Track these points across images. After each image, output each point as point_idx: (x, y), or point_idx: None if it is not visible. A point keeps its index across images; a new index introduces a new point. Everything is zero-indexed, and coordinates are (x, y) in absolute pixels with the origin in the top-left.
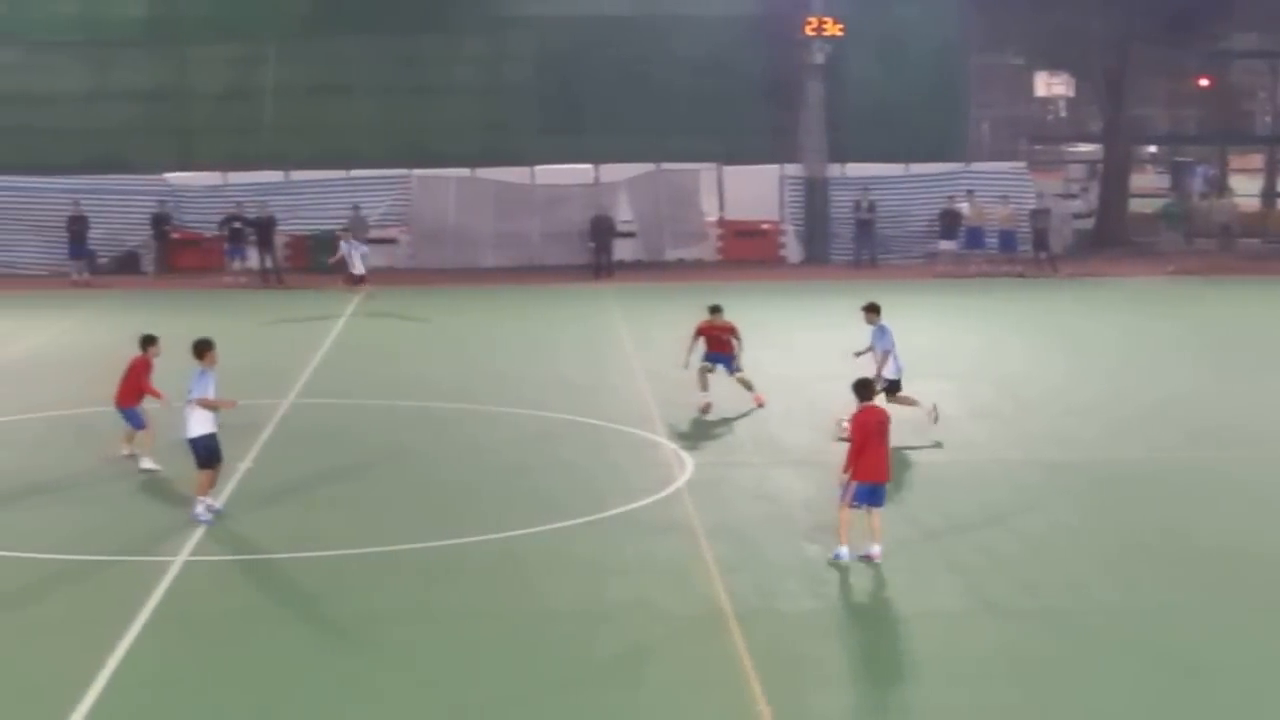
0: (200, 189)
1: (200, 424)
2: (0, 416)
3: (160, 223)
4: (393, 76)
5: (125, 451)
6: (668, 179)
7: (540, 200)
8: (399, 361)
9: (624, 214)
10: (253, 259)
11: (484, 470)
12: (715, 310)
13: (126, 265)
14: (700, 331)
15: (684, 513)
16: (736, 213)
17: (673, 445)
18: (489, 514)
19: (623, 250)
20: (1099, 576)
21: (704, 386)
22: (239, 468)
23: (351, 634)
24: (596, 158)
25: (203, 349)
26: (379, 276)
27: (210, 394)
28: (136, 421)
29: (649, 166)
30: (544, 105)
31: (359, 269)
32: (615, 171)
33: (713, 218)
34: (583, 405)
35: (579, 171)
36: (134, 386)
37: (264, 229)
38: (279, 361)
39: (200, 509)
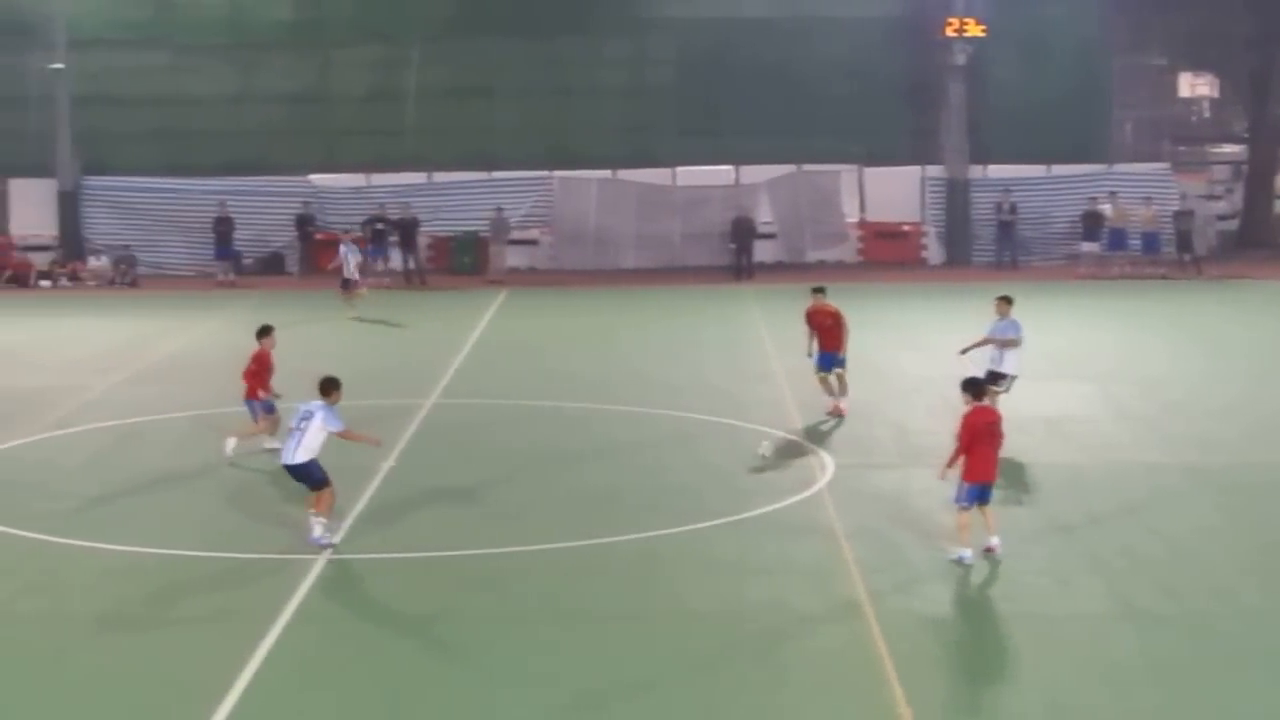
0: (343, 190)
1: (313, 451)
2: (150, 415)
3: (304, 224)
4: (535, 78)
5: (268, 445)
6: (809, 180)
7: (681, 202)
8: (541, 362)
9: (764, 215)
10: (395, 260)
11: (625, 470)
12: (818, 291)
13: (271, 266)
14: (808, 317)
15: (824, 514)
16: (877, 214)
17: (813, 446)
18: (630, 514)
19: (763, 251)
20: (1241, 580)
21: (828, 391)
22: (382, 467)
23: (492, 633)
24: (737, 159)
25: (329, 388)
26: (521, 277)
27: (344, 427)
28: (266, 408)
29: (790, 168)
30: (685, 107)
31: (353, 274)
32: (756, 173)
33: (853, 219)
34: (723, 406)
35: (720, 173)
36: (257, 378)
37: (407, 230)
38: (421, 362)
39: (319, 531)
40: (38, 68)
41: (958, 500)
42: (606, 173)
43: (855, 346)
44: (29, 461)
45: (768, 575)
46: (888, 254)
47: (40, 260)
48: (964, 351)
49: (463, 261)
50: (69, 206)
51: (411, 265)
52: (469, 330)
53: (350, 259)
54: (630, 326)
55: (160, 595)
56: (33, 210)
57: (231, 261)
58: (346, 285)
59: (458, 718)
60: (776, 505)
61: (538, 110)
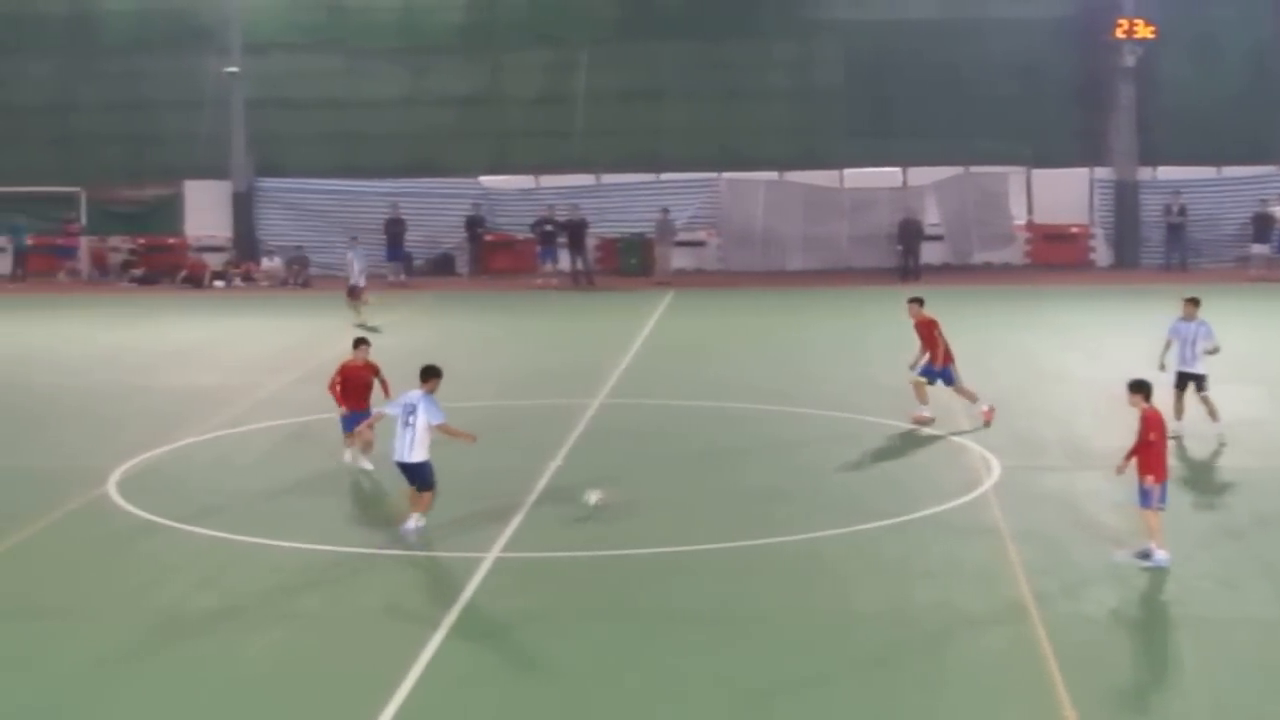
0: (513, 192)
1: (426, 448)
2: (321, 414)
3: (474, 225)
4: (702, 81)
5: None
6: (976, 182)
7: (848, 204)
8: (707, 362)
9: (931, 217)
10: (564, 261)
11: (790, 471)
12: (914, 301)
13: (441, 267)
14: (917, 328)
15: (990, 516)
16: (1045, 216)
17: (979, 448)
18: (795, 515)
19: (930, 253)
20: None
21: (923, 400)
22: (550, 466)
23: (657, 632)
24: (904, 161)
25: (429, 375)
26: (688, 278)
27: (445, 420)
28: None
29: (957, 169)
30: (852, 109)
31: (358, 281)
32: (923, 174)
33: (1021, 221)
34: (888, 407)
35: (887, 175)
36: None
37: (575, 231)
38: (589, 362)
39: (413, 524)
40: (214, 72)
41: (1157, 502)
42: (773, 174)
43: (1020, 347)
44: (202, 459)
45: (933, 576)
46: (1055, 256)
47: (215, 261)
48: (1163, 367)
49: (630, 263)
50: (243, 208)
51: (579, 267)
52: (636, 331)
53: (356, 264)
54: (796, 327)
55: (330, 591)
56: (208, 212)
57: (402, 263)
58: (353, 292)
59: (624, 717)
60: (942, 506)
61: (705, 112)
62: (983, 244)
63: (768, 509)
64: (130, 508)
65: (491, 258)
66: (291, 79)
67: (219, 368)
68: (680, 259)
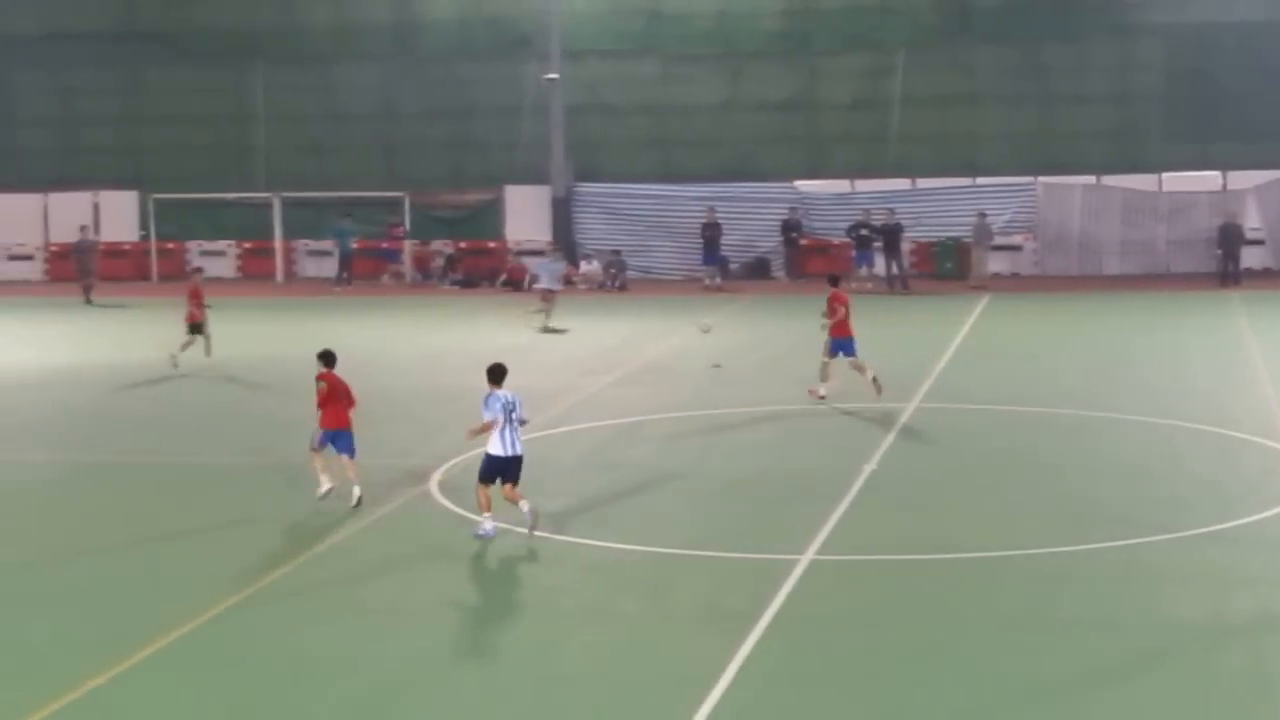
0: (828, 196)
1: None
2: (636, 416)
3: (790, 229)
4: (1019, 85)
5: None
6: None
7: (1166, 207)
8: (1022, 367)
9: (1253, 221)
10: (879, 265)
11: (1106, 477)
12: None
13: (756, 271)
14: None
15: None
16: None
17: None
18: (1111, 522)
19: (1251, 258)
20: None
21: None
22: (864, 469)
23: (973, 637)
24: (1224, 164)
25: (497, 374)
26: (1004, 282)
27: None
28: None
29: (1278, 174)
30: (1171, 112)
31: (554, 285)
32: (1244, 178)
33: None
34: (1207, 413)
35: (1206, 178)
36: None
37: (891, 236)
38: (904, 366)
39: (530, 506)
40: (534, 78)
41: None
42: (1090, 178)
43: None
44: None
45: (1253, 586)
46: None
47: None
48: None
49: (945, 267)
50: (561, 212)
51: (894, 271)
52: (951, 335)
53: (552, 270)
54: (1113, 332)
55: (644, 590)
56: (527, 216)
57: (718, 266)
58: (546, 295)
59: (939, 718)
60: (1264, 514)
61: (1022, 116)
62: None
63: (1085, 514)
64: (450, 506)
65: (807, 262)
66: (609, 85)
67: (538, 369)
68: (996, 263)
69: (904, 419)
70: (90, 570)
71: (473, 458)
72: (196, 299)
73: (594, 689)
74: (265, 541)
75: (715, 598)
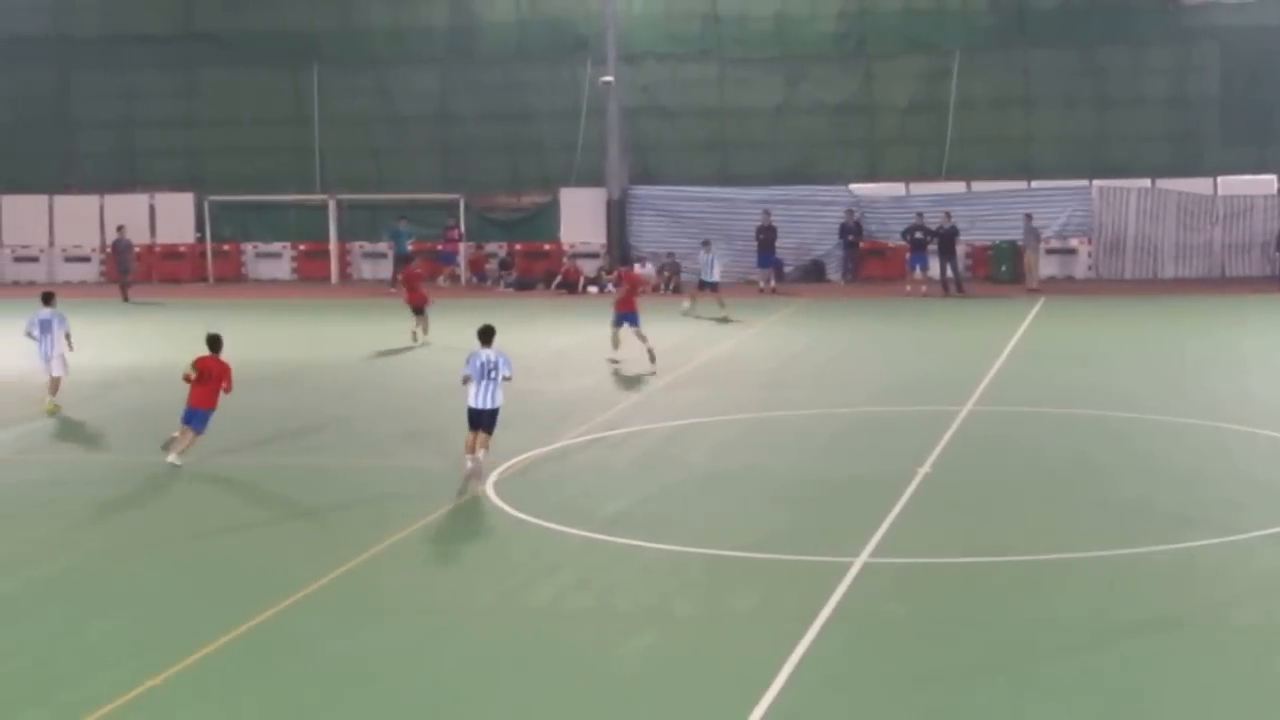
0: (884, 199)
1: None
2: (692, 419)
3: (846, 232)
4: (1075, 88)
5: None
6: None
7: (1223, 211)
8: (1076, 370)
9: None
10: (934, 268)
11: (1160, 480)
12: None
13: (811, 273)
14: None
15: None
16: None
17: None
18: (1166, 524)
19: None
20: None
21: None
22: (917, 472)
23: (1028, 640)
24: None
25: (493, 334)
26: (1059, 286)
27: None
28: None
29: None
30: (1228, 116)
31: (713, 277)
32: None
33: None
34: (1263, 417)
35: (1262, 182)
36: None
37: (946, 239)
38: (958, 369)
39: (483, 457)
40: (590, 81)
41: None
42: (1146, 182)
43: None
44: (577, 462)
45: None
46: None
47: (588, 267)
48: None
49: (1000, 270)
50: (616, 215)
51: (949, 274)
52: (1005, 338)
53: (716, 264)
54: (1168, 336)
55: (700, 592)
56: (582, 219)
57: (774, 269)
58: (714, 288)
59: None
60: None
61: (1077, 120)
62: None
63: (1140, 518)
64: (506, 507)
65: (863, 264)
66: (666, 88)
67: (595, 371)
68: (1051, 266)
69: (958, 422)
70: (150, 570)
71: (530, 460)
72: (415, 282)
73: (651, 690)
74: (324, 541)
75: (770, 600)
